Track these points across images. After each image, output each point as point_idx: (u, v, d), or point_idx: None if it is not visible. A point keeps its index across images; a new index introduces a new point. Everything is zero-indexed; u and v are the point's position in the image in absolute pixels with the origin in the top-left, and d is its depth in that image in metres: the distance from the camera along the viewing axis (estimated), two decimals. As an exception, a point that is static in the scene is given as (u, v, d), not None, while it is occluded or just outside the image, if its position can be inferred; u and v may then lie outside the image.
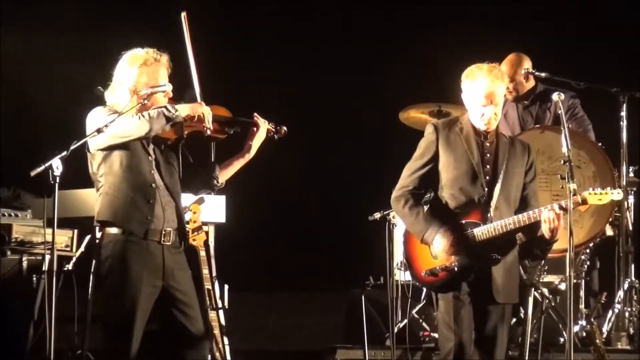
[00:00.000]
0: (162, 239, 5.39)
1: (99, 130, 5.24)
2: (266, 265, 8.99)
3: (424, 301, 7.47)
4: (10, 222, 7.08)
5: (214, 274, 6.38)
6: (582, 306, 7.44)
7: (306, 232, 9.07)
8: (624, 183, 7.39)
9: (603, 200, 5.66)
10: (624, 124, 7.56)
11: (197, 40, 5.72)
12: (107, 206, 5.36)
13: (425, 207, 5.72)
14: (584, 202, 5.62)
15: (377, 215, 6.99)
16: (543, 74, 7.69)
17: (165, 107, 5.35)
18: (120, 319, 5.30)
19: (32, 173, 5.17)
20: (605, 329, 7.38)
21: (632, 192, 7.57)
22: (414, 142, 5.82)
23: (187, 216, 5.86)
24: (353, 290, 7.75)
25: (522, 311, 7.06)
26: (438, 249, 5.63)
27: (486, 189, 5.64)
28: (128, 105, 5.38)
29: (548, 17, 9.05)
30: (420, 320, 7.49)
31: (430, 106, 7.95)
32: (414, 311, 7.41)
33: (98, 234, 5.42)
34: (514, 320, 7.01)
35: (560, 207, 5.55)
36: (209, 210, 6.74)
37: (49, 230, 5.31)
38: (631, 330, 7.40)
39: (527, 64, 7.81)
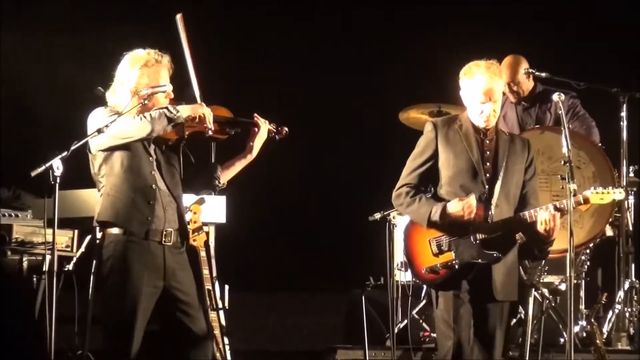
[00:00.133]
0: (163, 239, 5.38)
1: (99, 131, 5.24)
2: (266, 265, 8.98)
3: (424, 300, 7.46)
4: (10, 223, 7.08)
5: (214, 274, 6.38)
6: (582, 306, 7.45)
7: (306, 232, 9.06)
8: (624, 183, 7.39)
9: (605, 199, 5.66)
10: (624, 124, 7.56)
11: (197, 41, 5.71)
12: (108, 207, 5.36)
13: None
14: (586, 201, 5.62)
15: (377, 216, 6.99)
16: (543, 74, 7.69)
17: (167, 107, 5.34)
18: (121, 319, 5.29)
19: (33, 173, 5.15)
20: (605, 329, 7.39)
21: (632, 192, 7.57)
22: (413, 143, 5.81)
23: (188, 216, 5.84)
24: (353, 291, 7.74)
25: (523, 312, 7.06)
26: (455, 209, 5.52)
27: (487, 187, 5.63)
28: (129, 105, 5.37)
29: (548, 17, 9.05)
30: (421, 321, 7.49)
31: (430, 106, 7.95)
32: (414, 311, 7.41)
33: (98, 235, 5.42)
34: (514, 320, 7.01)
35: (556, 208, 5.54)
36: (210, 210, 6.74)
37: (49, 231, 5.30)
38: (631, 331, 7.41)
39: (525, 64, 7.81)
